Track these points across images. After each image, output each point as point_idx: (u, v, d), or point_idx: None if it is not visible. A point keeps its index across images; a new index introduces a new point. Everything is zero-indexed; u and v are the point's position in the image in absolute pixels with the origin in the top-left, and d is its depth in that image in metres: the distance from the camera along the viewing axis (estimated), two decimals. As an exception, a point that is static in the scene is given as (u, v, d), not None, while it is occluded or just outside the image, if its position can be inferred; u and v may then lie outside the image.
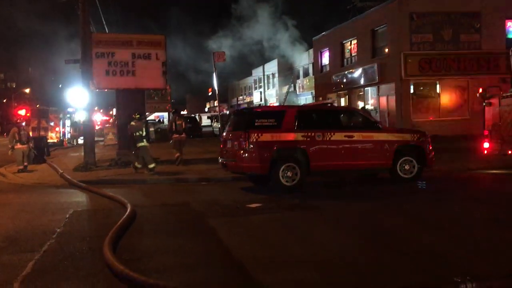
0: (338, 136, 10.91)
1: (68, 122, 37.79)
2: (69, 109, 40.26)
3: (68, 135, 36.59)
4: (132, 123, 14.24)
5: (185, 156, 18.38)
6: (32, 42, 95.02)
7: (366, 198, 9.79)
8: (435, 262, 5.46)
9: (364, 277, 5.04)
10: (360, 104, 28.26)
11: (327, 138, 10.83)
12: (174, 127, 16.25)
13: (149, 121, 46.35)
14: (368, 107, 26.87)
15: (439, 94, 24.51)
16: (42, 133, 29.17)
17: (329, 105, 12.93)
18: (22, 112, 33.48)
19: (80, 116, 31.92)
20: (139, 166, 14.22)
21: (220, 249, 6.11)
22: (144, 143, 14.21)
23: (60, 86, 79.75)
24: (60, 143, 32.59)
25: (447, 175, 12.71)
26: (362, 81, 27.34)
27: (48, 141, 29.15)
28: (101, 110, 71.74)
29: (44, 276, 5.13)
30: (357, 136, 11.05)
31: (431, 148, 11.62)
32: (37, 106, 43.91)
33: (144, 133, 14.32)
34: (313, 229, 7.14)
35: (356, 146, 11.04)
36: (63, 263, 5.59)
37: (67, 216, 8.34)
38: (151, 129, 15.06)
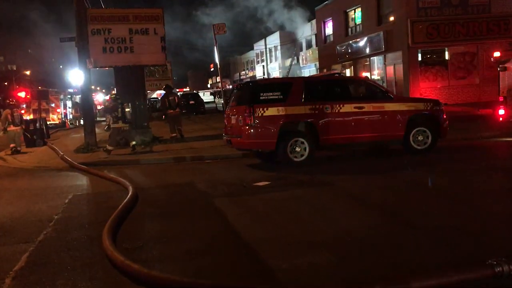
0: (348, 107, 10.37)
1: (69, 103, 37.33)
2: (70, 90, 39.75)
3: (70, 116, 36.19)
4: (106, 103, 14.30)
5: (188, 134, 17.95)
6: (31, 23, 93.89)
7: (378, 171, 9.31)
8: (459, 238, 5.02)
9: (383, 256, 4.62)
10: (366, 75, 27.55)
11: (336, 110, 10.30)
12: (167, 103, 16.25)
13: (151, 99, 45.93)
14: (374, 77, 26.17)
15: (447, 61, 23.75)
16: (42, 114, 28.84)
17: (336, 75, 12.28)
18: (22, 94, 33.03)
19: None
20: (133, 143, 14.10)
21: (228, 232, 5.69)
22: (119, 124, 14.00)
23: (61, 66, 79.06)
24: (61, 125, 32.22)
25: (462, 145, 12.19)
26: (367, 51, 26.55)
27: (49, 122, 28.84)
28: (104, 90, 71.28)
29: (38, 270, 4.73)
30: (367, 107, 10.50)
31: (445, 117, 11.07)
32: (39, 88, 43.41)
33: (119, 114, 14.00)
34: (325, 207, 6.70)
35: (366, 117, 10.51)
36: (59, 254, 5.18)
37: (66, 201, 7.95)
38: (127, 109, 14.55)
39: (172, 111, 16.16)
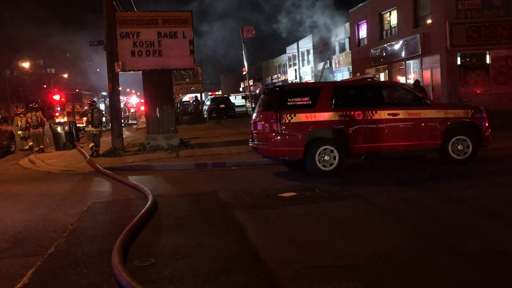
0: (381, 114, 9.76)
1: (102, 106, 37.85)
2: (104, 93, 40.34)
3: (103, 119, 36.65)
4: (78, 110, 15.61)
5: (216, 139, 17.65)
6: (69, 28, 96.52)
7: (414, 183, 8.66)
8: (507, 264, 4.41)
9: (421, 283, 4.06)
10: (401, 79, 26.63)
11: (368, 117, 9.71)
12: (90, 118, 15.41)
13: (184, 102, 46.12)
14: (410, 81, 25.22)
15: (489, 65, 22.59)
16: (70, 118, 29.21)
17: (369, 80, 11.66)
18: (56, 97, 33.67)
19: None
20: (93, 147, 14.96)
21: (246, 251, 5.24)
22: (89, 128, 15.32)
23: (98, 70, 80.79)
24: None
25: (506, 154, 11.33)
26: (403, 54, 25.64)
27: (82, 125, 29.21)
28: (138, 93, 72.26)
29: (40, 288, 4.42)
30: (402, 113, 9.86)
31: (487, 125, 10.30)
32: (76, 90, 44.27)
33: (89, 119, 15.32)
34: (354, 224, 6.15)
35: (401, 125, 9.87)
36: (66, 270, 4.85)
37: (85, 209, 7.68)
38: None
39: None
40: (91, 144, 15.03)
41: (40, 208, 7.97)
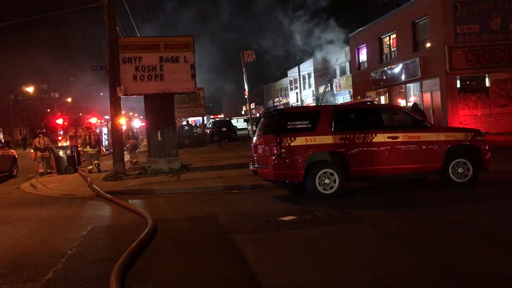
0: (381, 137, 9.79)
1: (105, 130, 37.99)
2: (107, 117, 40.55)
3: (105, 143, 36.73)
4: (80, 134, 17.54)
5: (218, 162, 17.68)
6: (73, 52, 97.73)
7: (415, 207, 8.62)
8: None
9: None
10: (401, 102, 26.77)
11: (368, 140, 9.74)
12: (88, 140, 17.96)
13: (184, 126, 46.35)
14: (410, 104, 25.34)
15: (488, 88, 22.74)
16: (78, 141, 29.34)
17: (368, 103, 11.74)
18: (59, 121, 33.83)
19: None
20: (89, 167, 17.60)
21: (246, 275, 5.20)
22: (87, 148, 17.85)
23: (101, 94, 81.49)
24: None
25: (507, 177, 11.30)
26: (403, 77, 25.85)
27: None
28: (141, 117, 72.65)
29: (37, 315, 4.38)
30: (402, 137, 9.89)
31: (487, 148, 10.31)
32: (79, 114, 44.57)
33: (87, 141, 17.89)
34: (356, 249, 6.11)
35: (401, 148, 9.88)
36: (63, 296, 4.83)
37: (84, 233, 7.66)
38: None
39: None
40: (96, 162, 17.77)
41: (40, 233, 7.95)
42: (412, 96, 26.32)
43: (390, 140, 9.79)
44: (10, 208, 11.19)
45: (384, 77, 27.98)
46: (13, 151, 19.67)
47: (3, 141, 20.82)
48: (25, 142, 47.32)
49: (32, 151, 18.81)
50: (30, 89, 59.86)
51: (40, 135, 18.94)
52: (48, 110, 75.34)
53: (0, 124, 54.71)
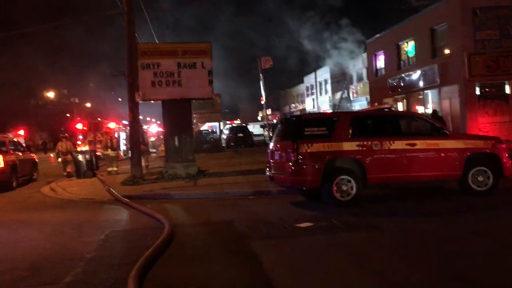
0: (399, 144, 9.71)
1: (123, 135, 38.44)
2: (125, 122, 41.02)
3: (123, 147, 37.14)
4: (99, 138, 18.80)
5: (233, 168, 17.73)
6: (93, 58, 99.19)
7: (434, 215, 8.53)
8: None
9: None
10: (420, 109, 26.51)
11: (386, 147, 9.67)
12: (110, 144, 19.13)
13: (201, 132, 46.62)
14: (429, 111, 25.08)
15: (508, 95, 22.35)
16: (97, 146, 29.77)
17: (386, 109, 11.66)
18: (79, 126, 34.39)
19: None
20: (108, 169, 18.63)
21: (262, 282, 5.20)
22: (108, 151, 18.91)
23: (119, 99, 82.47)
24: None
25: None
26: (421, 84, 25.58)
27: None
28: (158, 122, 73.30)
29: (56, 317, 4.44)
30: (420, 144, 9.80)
31: (507, 155, 10.14)
32: (98, 119, 45.25)
33: (109, 144, 18.94)
34: (372, 257, 6.05)
35: (419, 155, 9.79)
36: (81, 299, 4.89)
37: (102, 237, 7.75)
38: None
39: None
40: (114, 167, 18.63)
41: (59, 236, 8.07)
42: (430, 103, 26.03)
43: (408, 147, 9.71)
44: (30, 211, 11.39)
45: (402, 84, 27.73)
46: (34, 155, 20.01)
47: (24, 145, 21.16)
48: (46, 147, 48.10)
49: (51, 155, 19.34)
50: (50, 94, 60.87)
51: (63, 139, 19.96)
52: (68, 115, 76.48)
53: (21, 129, 55.65)
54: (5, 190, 15.35)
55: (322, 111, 47.68)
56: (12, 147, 17.31)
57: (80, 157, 18.40)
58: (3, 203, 13.05)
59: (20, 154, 17.69)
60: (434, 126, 10.34)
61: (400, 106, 28.84)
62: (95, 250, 6.94)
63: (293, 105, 68.53)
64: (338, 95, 46.83)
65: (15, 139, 21.39)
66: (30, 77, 63.15)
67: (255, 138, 39.84)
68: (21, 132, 46.17)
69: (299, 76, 63.50)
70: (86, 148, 29.81)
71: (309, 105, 58.74)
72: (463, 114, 22.03)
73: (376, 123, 10.38)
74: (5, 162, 15.62)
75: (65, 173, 18.99)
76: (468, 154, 9.86)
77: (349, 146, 9.63)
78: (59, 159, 20.15)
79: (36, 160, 19.92)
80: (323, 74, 51.73)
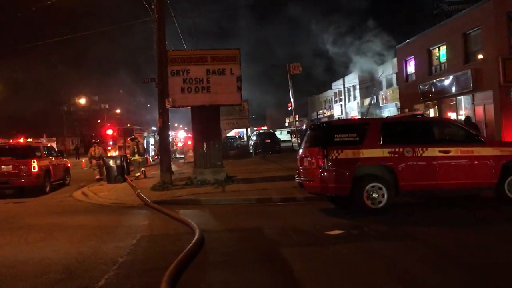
0: (432, 151, 9.51)
1: (152, 140, 38.98)
2: (154, 128, 41.65)
3: (152, 153, 37.63)
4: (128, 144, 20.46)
5: (261, 174, 17.72)
6: (123, 66, 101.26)
7: (468, 224, 8.30)
8: None
9: None
10: (452, 115, 25.94)
11: (419, 154, 9.48)
12: (136, 149, 19.89)
13: (228, 138, 46.84)
14: (461, 117, 24.50)
15: (546, 101, 21.62)
16: (127, 151, 30.29)
17: (419, 116, 11.45)
18: (109, 132, 35.06)
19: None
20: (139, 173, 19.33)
21: (294, 290, 5.15)
22: (135, 157, 19.80)
23: (148, 105, 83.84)
24: (144, 161, 33.49)
25: None
26: (453, 90, 25.04)
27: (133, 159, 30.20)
28: (186, 128, 74.17)
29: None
30: (454, 151, 9.58)
31: (546, 164, 9.79)
32: (128, 125, 46.08)
33: (136, 150, 19.91)
34: (405, 266, 5.92)
35: (453, 162, 9.56)
36: (115, 303, 4.94)
37: (134, 242, 7.84)
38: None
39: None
40: (142, 169, 19.61)
41: (92, 240, 8.20)
42: (463, 109, 25.44)
43: (442, 154, 9.50)
44: (64, 215, 11.63)
45: (433, 90, 27.22)
46: (66, 160, 20.48)
47: (57, 150, 21.74)
48: (78, 152, 49.20)
49: (83, 160, 19.83)
50: (82, 101, 62.40)
51: (95, 145, 20.82)
52: (98, 121, 78.20)
53: (54, 134, 57.17)
54: (39, 194, 15.76)
55: (350, 118, 47.25)
56: (46, 152, 17.75)
57: (111, 162, 18.71)
58: (37, 207, 13.39)
59: (53, 159, 18.13)
60: (469, 133, 10.09)
61: (432, 112, 28.30)
62: (127, 254, 7.02)
63: (321, 111, 68.15)
64: (367, 101, 46.32)
65: (48, 145, 21.94)
66: (63, 84, 64.97)
67: (282, 145, 39.73)
68: (54, 137, 47.47)
69: (327, 82, 63.14)
70: (116, 153, 30.41)
71: (337, 112, 58.29)
72: (498, 120, 21.44)
73: (407, 130, 10.19)
74: (39, 167, 16.05)
75: (96, 177, 19.44)
76: (504, 162, 9.60)
77: (380, 152, 9.49)
78: (90, 164, 20.70)
79: (69, 165, 20.37)
80: (352, 80, 51.28)
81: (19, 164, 15.82)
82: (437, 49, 27.60)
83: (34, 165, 15.89)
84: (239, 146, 42.82)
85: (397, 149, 9.47)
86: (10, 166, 15.86)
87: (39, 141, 24.44)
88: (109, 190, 16.12)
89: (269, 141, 36.72)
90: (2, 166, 15.82)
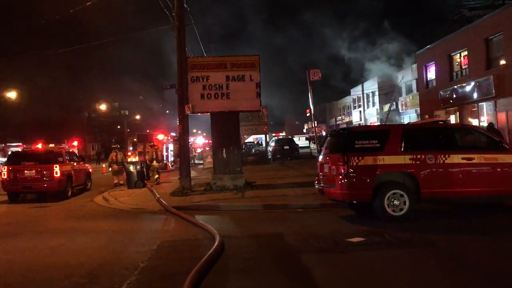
0: (454, 158, 9.37)
1: (171, 146, 39.28)
2: (173, 134, 41.97)
3: (171, 159, 37.90)
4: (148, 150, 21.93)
5: (281, 180, 17.68)
6: (143, 72, 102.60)
7: (490, 231, 8.14)
8: None
9: None
10: (473, 121, 25.54)
11: (441, 161, 9.35)
12: (155, 156, 20.66)
13: (247, 144, 46.95)
14: (483, 124, 24.10)
15: None
16: (146, 157, 30.56)
17: (441, 122, 11.30)
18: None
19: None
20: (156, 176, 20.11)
21: (316, 297, 5.12)
22: (154, 163, 20.44)
23: (167, 111, 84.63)
24: (163, 167, 33.75)
25: None
26: (475, 96, 24.69)
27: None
28: (204, 134, 74.59)
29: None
30: (477, 158, 9.42)
31: None
32: (147, 131, 46.54)
33: (154, 156, 20.61)
34: (427, 275, 5.83)
35: (476, 169, 9.41)
36: (137, 308, 4.98)
37: (155, 247, 7.89)
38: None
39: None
40: (156, 176, 20.14)
41: (114, 245, 8.28)
42: (484, 116, 25.04)
43: (464, 161, 9.35)
44: (85, 220, 11.78)
45: (454, 96, 26.87)
46: (88, 166, 20.79)
47: (78, 155, 22.08)
48: (99, 157, 49.85)
49: (104, 165, 20.10)
50: (102, 107, 63.25)
51: (116, 150, 21.20)
52: (118, 127, 79.18)
53: (75, 140, 58.07)
54: (61, 199, 16.02)
55: (370, 124, 46.89)
56: (68, 158, 18.04)
57: (131, 167, 18.91)
58: (59, 211, 13.60)
59: (75, 164, 18.41)
60: (492, 139, 9.92)
61: (453, 119, 27.91)
62: (148, 259, 7.07)
63: (339, 117, 67.82)
64: (386, 107, 45.91)
65: (70, 150, 22.30)
66: (84, 91, 66.03)
67: (301, 151, 39.59)
68: (75, 143, 48.15)
69: (345, 89, 62.86)
70: (136, 159, 30.71)
71: (356, 118, 57.94)
72: (522, 127, 21.03)
73: (429, 136, 10.06)
74: (61, 172, 16.31)
75: (119, 182, 19.82)
76: (530, 169, 9.38)
77: (402, 159, 9.39)
78: (110, 169, 20.98)
79: (90, 170, 20.65)
80: (371, 86, 50.94)
81: (42, 169, 16.12)
82: (458, 55, 27.27)
83: (57, 170, 16.16)
84: (258, 152, 42.90)
85: (418, 156, 9.36)
86: (33, 171, 16.18)
87: (61, 146, 24.87)
88: (129, 195, 16.28)
89: (287, 147, 36.62)
90: (25, 171, 16.16)
